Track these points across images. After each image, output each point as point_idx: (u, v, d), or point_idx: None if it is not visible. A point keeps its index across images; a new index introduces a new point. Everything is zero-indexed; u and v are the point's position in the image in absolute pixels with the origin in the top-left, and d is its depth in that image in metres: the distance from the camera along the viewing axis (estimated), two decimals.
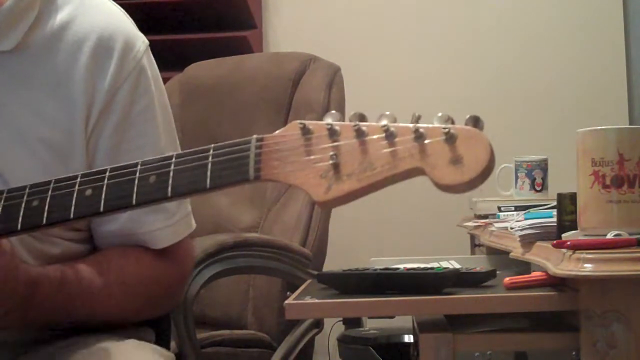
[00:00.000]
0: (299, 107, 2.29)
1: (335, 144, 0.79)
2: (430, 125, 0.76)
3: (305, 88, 2.30)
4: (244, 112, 2.37)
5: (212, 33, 2.89)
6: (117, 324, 1.18)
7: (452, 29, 3.04)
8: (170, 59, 2.54)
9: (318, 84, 2.27)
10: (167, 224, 1.19)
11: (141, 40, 1.21)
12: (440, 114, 0.77)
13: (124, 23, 1.20)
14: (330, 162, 0.78)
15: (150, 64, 1.21)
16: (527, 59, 3.01)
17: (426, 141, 0.76)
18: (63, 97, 1.14)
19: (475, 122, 0.76)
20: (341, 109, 2.25)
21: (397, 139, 0.77)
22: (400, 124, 0.78)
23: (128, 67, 1.17)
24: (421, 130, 0.76)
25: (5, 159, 1.11)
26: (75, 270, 1.10)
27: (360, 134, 0.78)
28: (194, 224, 1.25)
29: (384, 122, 0.78)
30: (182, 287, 1.29)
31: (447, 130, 0.75)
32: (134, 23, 1.23)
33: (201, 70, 2.51)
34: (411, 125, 0.77)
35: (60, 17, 1.16)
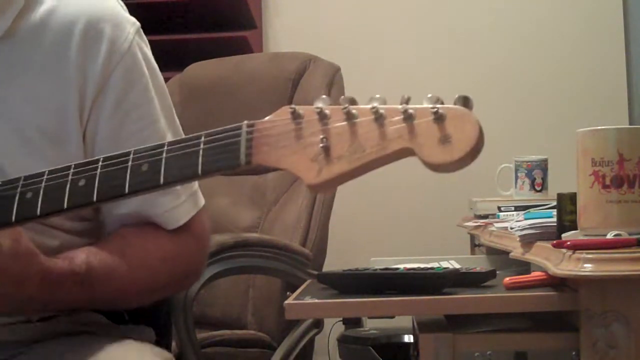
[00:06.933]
0: None
1: (325, 127, 0.79)
2: (419, 106, 0.76)
3: (305, 88, 2.30)
4: (244, 112, 2.35)
5: (212, 33, 2.89)
6: (141, 305, 1.19)
7: (452, 28, 3.04)
8: (170, 59, 2.54)
9: (318, 84, 2.28)
10: (175, 204, 1.19)
11: (131, 23, 1.20)
12: (429, 95, 0.77)
13: (112, 6, 1.20)
14: (321, 145, 0.78)
15: (142, 46, 1.20)
16: (527, 59, 3.01)
17: (415, 121, 0.76)
18: (55, 82, 1.14)
19: (465, 101, 0.76)
20: None
21: (386, 121, 0.77)
22: (390, 106, 0.78)
23: (119, 50, 1.16)
24: (410, 111, 0.76)
25: (2, 149, 1.11)
26: (99, 262, 1.10)
27: (350, 116, 0.78)
28: (202, 201, 1.24)
29: (374, 104, 0.78)
30: (202, 261, 1.27)
31: (435, 110, 0.75)
32: (124, 6, 1.22)
33: (201, 70, 2.51)
34: (400, 106, 0.77)
35: (49, 2, 1.16)
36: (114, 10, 1.19)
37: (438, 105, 0.76)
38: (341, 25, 3.06)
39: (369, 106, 0.78)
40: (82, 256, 1.09)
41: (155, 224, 1.19)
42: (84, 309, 1.16)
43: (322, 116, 0.79)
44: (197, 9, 2.91)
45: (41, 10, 1.16)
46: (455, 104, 0.76)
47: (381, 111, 0.77)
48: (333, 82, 2.28)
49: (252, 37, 2.93)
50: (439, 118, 0.75)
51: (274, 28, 3.09)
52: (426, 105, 0.76)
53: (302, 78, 2.32)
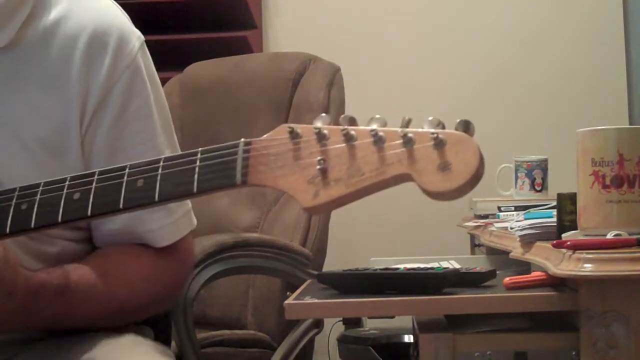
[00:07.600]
0: (299, 107, 2.29)
1: (324, 148, 0.77)
2: (419, 130, 0.75)
3: (305, 88, 2.30)
4: (244, 112, 2.37)
5: (212, 33, 2.89)
6: (119, 324, 1.18)
7: (452, 28, 3.04)
8: (170, 59, 2.55)
9: (318, 84, 2.27)
10: (167, 222, 1.18)
11: (136, 36, 1.19)
12: (430, 118, 0.75)
13: (118, 18, 1.19)
14: (318, 167, 0.77)
15: (145, 60, 1.20)
16: (527, 59, 3.01)
17: (415, 146, 0.74)
18: (58, 93, 1.13)
19: (466, 126, 0.74)
20: (341, 109, 2.25)
21: (385, 144, 0.75)
22: (390, 129, 0.76)
23: (123, 63, 1.16)
24: (410, 135, 0.74)
25: (1, 158, 1.10)
26: (79, 277, 1.09)
27: (348, 138, 0.76)
28: (195, 221, 1.24)
29: (373, 126, 0.76)
30: (183, 284, 1.28)
31: (435, 135, 0.74)
32: (129, 19, 1.22)
33: (201, 70, 2.51)
34: (400, 130, 0.75)
35: (55, 12, 1.16)
36: (121, 23, 1.19)
37: (438, 130, 0.74)
38: (341, 25, 3.06)
39: (369, 128, 0.76)
40: (60, 270, 1.08)
41: (141, 242, 1.18)
42: (65, 326, 1.13)
43: (321, 136, 0.78)
44: (197, 9, 2.90)
45: (48, 19, 1.15)
46: (456, 128, 0.74)
47: (380, 134, 0.75)
48: (333, 82, 2.27)
49: (252, 37, 2.92)
50: (439, 143, 0.74)
51: (274, 28, 3.09)
52: (426, 129, 0.75)
53: (302, 78, 2.32)
